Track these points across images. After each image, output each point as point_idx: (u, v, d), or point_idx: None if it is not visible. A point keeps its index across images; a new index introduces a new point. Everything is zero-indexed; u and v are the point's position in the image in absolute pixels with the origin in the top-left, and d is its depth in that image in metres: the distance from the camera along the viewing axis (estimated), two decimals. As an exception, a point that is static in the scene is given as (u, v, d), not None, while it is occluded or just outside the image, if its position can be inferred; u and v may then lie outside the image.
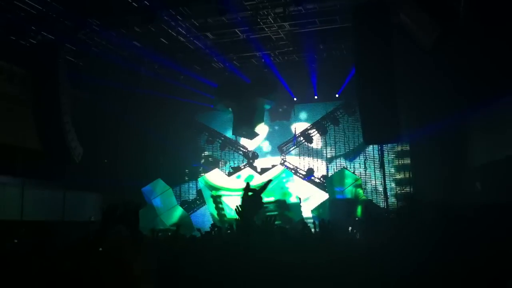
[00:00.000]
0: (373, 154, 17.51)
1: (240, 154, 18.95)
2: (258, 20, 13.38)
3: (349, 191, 15.67)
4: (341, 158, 17.99)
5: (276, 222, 5.22)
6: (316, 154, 18.38)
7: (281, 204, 15.74)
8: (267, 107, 17.82)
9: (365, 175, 17.41)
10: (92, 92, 16.27)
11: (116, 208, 3.39)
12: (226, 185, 16.73)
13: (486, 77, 11.55)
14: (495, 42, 10.64)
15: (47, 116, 13.19)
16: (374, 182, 17.38)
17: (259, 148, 18.84)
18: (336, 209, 14.95)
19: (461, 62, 12.06)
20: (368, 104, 11.58)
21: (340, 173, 16.53)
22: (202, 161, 19.49)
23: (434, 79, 13.69)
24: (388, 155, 17.29)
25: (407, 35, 12.44)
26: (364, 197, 16.10)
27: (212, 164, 19.01)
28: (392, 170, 17.25)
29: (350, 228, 8.05)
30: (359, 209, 15.52)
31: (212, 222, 15.85)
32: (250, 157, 18.47)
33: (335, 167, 17.93)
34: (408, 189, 16.79)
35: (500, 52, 10.60)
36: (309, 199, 17.64)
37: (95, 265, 3.10)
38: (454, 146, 14.62)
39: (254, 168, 17.90)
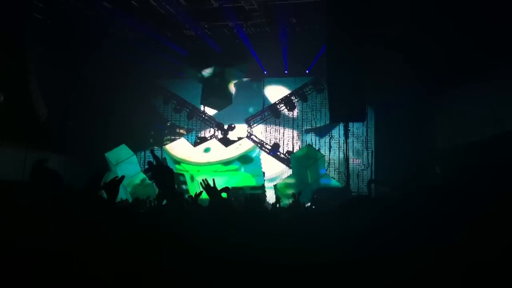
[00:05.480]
0: (339, 133, 17.66)
1: (208, 125, 18.83)
2: (232, -12, 13.23)
3: (312, 168, 15.80)
4: (308, 134, 18.11)
5: None
6: (282, 129, 18.44)
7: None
8: (237, 78, 17.74)
9: (329, 154, 17.59)
10: (58, 51, 15.80)
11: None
12: (190, 159, 16.58)
13: (452, 64, 11.75)
14: (461, 32, 10.84)
15: (11, 74, 12.83)
16: (337, 161, 17.58)
17: (226, 119, 18.68)
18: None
19: (429, 47, 12.22)
20: (336, 82, 11.64)
21: (305, 150, 16.65)
22: (168, 123, 19.27)
23: (402, 62, 13.82)
24: (353, 134, 17.47)
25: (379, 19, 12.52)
26: (327, 176, 16.31)
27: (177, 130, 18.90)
28: (356, 149, 17.46)
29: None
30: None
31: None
32: (226, 129, 18.22)
33: (300, 143, 18.05)
34: (370, 170, 17.08)
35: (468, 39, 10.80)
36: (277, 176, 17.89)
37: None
38: (419, 129, 14.88)
39: (221, 140, 17.76)
